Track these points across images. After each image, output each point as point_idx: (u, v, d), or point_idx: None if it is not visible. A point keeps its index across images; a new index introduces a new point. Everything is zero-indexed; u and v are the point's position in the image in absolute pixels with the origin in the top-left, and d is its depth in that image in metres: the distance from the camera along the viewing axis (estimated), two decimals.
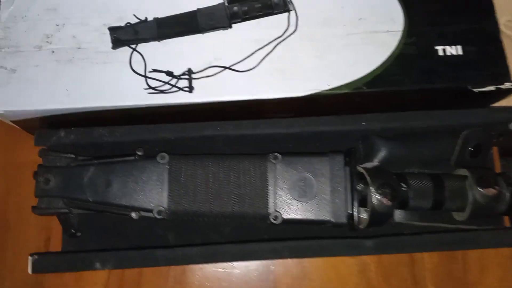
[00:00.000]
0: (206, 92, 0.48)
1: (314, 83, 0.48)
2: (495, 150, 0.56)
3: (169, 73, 0.49)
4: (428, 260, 0.54)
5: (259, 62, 0.49)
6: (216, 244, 0.47)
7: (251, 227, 0.52)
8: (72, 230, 0.52)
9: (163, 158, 0.48)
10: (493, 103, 0.53)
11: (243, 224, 0.50)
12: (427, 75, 0.49)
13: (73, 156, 0.50)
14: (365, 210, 0.47)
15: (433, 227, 0.52)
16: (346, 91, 0.48)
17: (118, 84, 0.49)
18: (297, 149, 0.52)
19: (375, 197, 0.46)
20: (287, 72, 0.49)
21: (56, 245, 0.55)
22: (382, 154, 0.50)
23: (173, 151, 0.49)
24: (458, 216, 0.51)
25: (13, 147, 0.59)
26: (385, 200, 0.46)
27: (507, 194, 0.48)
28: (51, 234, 0.56)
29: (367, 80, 0.48)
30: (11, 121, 0.51)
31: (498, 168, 0.55)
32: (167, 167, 0.48)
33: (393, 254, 0.51)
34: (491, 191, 0.47)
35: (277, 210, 0.47)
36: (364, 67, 0.49)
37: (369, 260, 0.53)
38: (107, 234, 0.53)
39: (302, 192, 0.48)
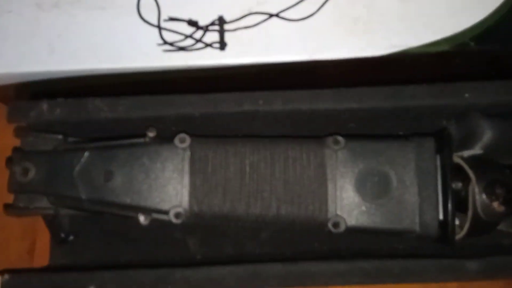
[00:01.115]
0: (243, 49, 0.40)
1: (399, 37, 0.40)
2: None
3: (192, 23, 0.40)
4: None
5: (320, 7, 0.41)
6: (256, 263, 0.38)
7: (296, 232, 0.43)
8: (62, 235, 0.45)
9: (183, 141, 0.40)
10: None
11: (289, 229, 0.41)
12: None
13: (60, 137, 0.43)
14: (464, 216, 0.38)
15: None
16: (444, 48, 0.40)
17: (121, 38, 0.41)
18: (360, 130, 0.43)
19: (481, 200, 0.38)
20: (359, 22, 0.41)
21: (43, 251, 0.48)
22: (487, 138, 0.40)
23: (196, 131, 0.41)
24: None
25: None
26: (496, 204, 0.37)
27: None
28: (36, 237, 0.49)
29: (475, 33, 0.40)
30: None
31: None
32: (189, 153, 0.40)
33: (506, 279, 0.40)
34: None
35: (339, 214, 0.39)
36: (472, 14, 0.40)
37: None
38: (106, 241, 0.45)
39: (375, 190, 0.39)
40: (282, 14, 0.40)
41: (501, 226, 0.42)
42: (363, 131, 0.43)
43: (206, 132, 0.42)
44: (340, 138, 0.40)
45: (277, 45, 0.40)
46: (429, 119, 0.42)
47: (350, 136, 0.40)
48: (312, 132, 0.42)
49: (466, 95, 0.39)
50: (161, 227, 0.44)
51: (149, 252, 0.44)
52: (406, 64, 0.41)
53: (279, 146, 0.39)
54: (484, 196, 0.37)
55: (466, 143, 0.41)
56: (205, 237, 0.45)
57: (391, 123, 0.42)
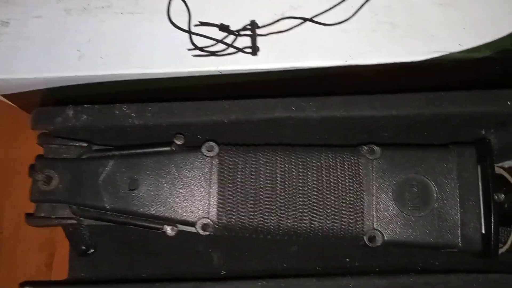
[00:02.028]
0: (275, 54, 0.39)
1: (439, 42, 0.39)
2: None
3: (223, 28, 0.40)
4: None
5: (355, 12, 0.40)
6: (288, 278, 0.36)
7: (326, 247, 0.42)
8: (83, 247, 0.43)
9: (211, 150, 0.39)
10: None
11: (322, 243, 0.39)
12: None
13: (85, 144, 0.42)
14: (505, 230, 0.38)
15: None
16: (486, 54, 0.39)
17: (151, 43, 0.40)
18: (394, 140, 0.41)
19: None
20: (397, 26, 0.39)
21: (61, 264, 0.49)
22: None
23: (225, 139, 0.40)
24: None
25: (7, 134, 0.53)
26: None
27: None
28: (55, 250, 0.50)
29: None
30: (3, 96, 0.43)
31: None
32: (217, 162, 0.38)
33: None
34: None
35: (376, 227, 0.37)
36: None
37: None
38: (127, 254, 0.44)
39: (414, 202, 0.38)
40: (316, 19, 0.39)
41: None
42: (396, 141, 0.41)
43: (235, 140, 0.40)
44: (375, 147, 0.38)
45: (311, 50, 0.38)
46: (467, 128, 0.40)
47: (385, 145, 0.39)
48: (343, 141, 0.40)
49: (509, 102, 0.37)
50: (184, 239, 0.43)
51: (172, 265, 0.43)
52: (445, 70, 0.40)
53: (311, 155, 0.38)
54: None
55: (507, 152, 0.40)
56: (230, 250, 0.44)
57: (427, 132, 0.41)
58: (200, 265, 0.43)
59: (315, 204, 0.37)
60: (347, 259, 0.42)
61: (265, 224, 0.37)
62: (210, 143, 0.39)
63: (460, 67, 0.39)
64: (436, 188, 0.37)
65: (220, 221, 0.37)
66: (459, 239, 0.36)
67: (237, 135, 0.40)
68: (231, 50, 0.38)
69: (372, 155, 0.38)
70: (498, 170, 0.38)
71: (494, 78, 0.41)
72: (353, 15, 0.39)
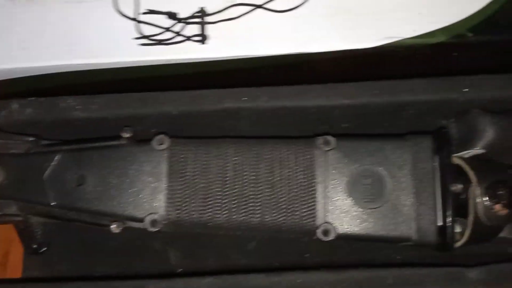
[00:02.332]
0: (225, 42, 0.38)
1: (392, 28, 0.37)
2: None
3: (171, 16, 0.38)
4: None
5: None
6: (236, 274, 0.35)
7: (285, 242, 0.42)
8: (34, 245, 0.42)
9: (162, 143, 0.37)
10: None
11: (275, 237, 0.39)
12: None
13: (31, 139, 0.40)
14: (464, 221, 0.36)
15: None
16: (441, 39, 0.37)
17: (97, 32, 0.39)
18: (355, 131, 0.40)
19: (482, 203, 0.35)
20: (350, 12, 0.38)
21: (16, 263, 0.45)
22: (489, 137, 0.37)
23: (176, 132, 0.39)
24: None
25: None
26: (498, 207, 0.35)
27: None
28: (9, 249, 0.47)
29: (473, 23, 0.37)
30: None
31: None
32: (167, 155, 0.37)
33: None
34: None
35: (329, 221, 0.36)
36: (470, 3, 0.37)
37: None
38: (86, 252, 0.43)
39: (368, 194, 0.37)
40: (267, 5, 0.38)
41: (506, 233, 0.39)
42: (357, 132, 0.40)
43: (189, 133, 0.39)
44: (330, 138, 0.37)
45: (262, 38, 0.37)
46: (427, 117, 0.39)
47: (342, 136, 0.38)
48: (303, 132, 0.39)
49: (465, 89, 0.37)
50: (140, 237, 0.42)
51: (128, 263, 0.42)
52: (401, 57, 0.38)
53: (264, 147, 0.37)
54: (485, 198, 0.35)
55: (467, 142, 0.38)
56: (187, 248, 0.43)
57: (388, 123, 0.40)
58: (157, 263, 0.42)
59: (267, 198, 0.36)
60: (307, 255, 0.41)
61: (216, 219, 0.36)
62: (161, 136, 0.38)
63: (417, 54, 0.38)
64: (391, 180, 0.36)
65: (169, 216, 0.36)
66: (414, 232, 0.35)
67: (190, 127, 0.39)
68: (179, 38, 0.37)
69: (327, 146, 0.37)
70: (457, 161, 0.37)
71: (453, 65, 0.39)
72: (305, 1, 0.38)
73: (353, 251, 0.41)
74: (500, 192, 0.35)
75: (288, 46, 0.37)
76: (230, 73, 0.39)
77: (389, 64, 0.39)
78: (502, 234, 0.40)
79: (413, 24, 0.37)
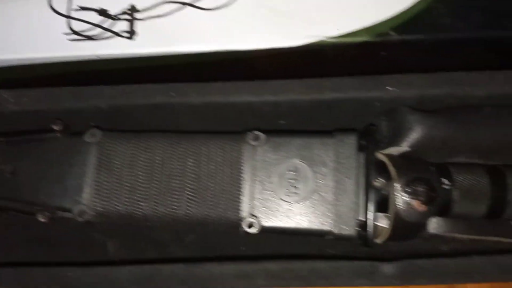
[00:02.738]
0: (154, 39, 0.38)
1: (317, 27, 0.38)
2: None
3: (102, 12, 0.39)
4: None
5: None
6: (157, 264, 0.36)
7: (225, 235, 0.42)
8: None
9: (94, 136, 0.38)
10: None
11: (202, 230, 0.40)
12: (494, 17, 0.37)
13: None
14: (386, 217, 0.36)
15: (487, 243, 0.39)
16: (364, 38, 0.38)
17: (29, 28, 0.39)
18: (292, 127, 0.41)
19: (402, 199, 0.35)
20: (277, 12, 0.39)
21: None
22: (414, 135, 0.37)
23: (109, 126, 0.39)
24: None
25: None
26: (416, 204, 0.35)
27: None
28: None
29: (398, 22, 0.38)
30: None
31: None
32: (97, 148, 0.38)
33: (423, 285, 0.37)
34: None
35: (254, 214, 0.37)
36: (394, 2, 0.38)
37: None
38: (26, 243, 0.43)
39: (293, 189, 0.37)
40: (196, 3, 0.38)
41: (437, 230, 0.39)
42: (295, 128, 0.40)
43: (121, 126, 0.39)
44: (260, 134, 0.38)
45: (190, 35, 0.38)
46: (358, 115, 0.39)
47: (271, 132, 0.38)
48: (236, 128, 0.39)
49: (388, 88, 0.37)
50: (80, 228, 0.41)
51: (67, 254, 0.41)
52: (325, 56, 0.39)
53: (192, 141, 0.38)
54: (404, 194, 0.35)
55: (395, 140, 0.38)
56: (126, 240, 0.43)
57: (318, 120, 0.40)
58: (96, 254, 0.42)
59: (192, 192, 0.37)
60: (243, 248, 0.41)
61: (141, 211, 0.37)
62: (94, 129, 0.38)
63: (341, 53, 0.38)
64: (315, 175, 0.36)
65: (95, 207, 0.37)
66: (334, 226, 0.36)
67: (123, 121, 0.39)
68: (108, 34, 0.38)
69: (256, 142, 0.37)
70: (381, 157, 0.37)
71: (380, 65, 0.40)
72: (234, 0, 0.38)
73: (289, 244, 0.41)
74: (419, 189, 0.35)
75: (216, 43, 0.38)
76: (162, 69, 0.40)
77: (318, 63, 0.40)
78: (434, 231, 0.42)
79: (337, 24, 0.37)
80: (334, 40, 0.37)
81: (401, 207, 0.35)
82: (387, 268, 0.34)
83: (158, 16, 0.38)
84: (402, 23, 0.37)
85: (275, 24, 0.38)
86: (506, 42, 0.37)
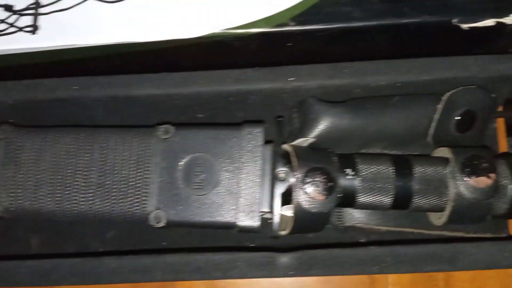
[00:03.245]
0: (56, 33, 0.38)
1: (218, 18, 0.37)
2: (499, 123, 0.41)
3: (8, 8, 0.38)
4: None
5: None
6: (55, 258, 0.36)
7: (144, 231, 0.42)
8: None
9: (2, 131, 0.38)
10: (492, 51, 0.38)
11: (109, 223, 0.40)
12: (394, 4, 0.37)
13: None
14: (290, 208, 0.36)
15: (404, 234, 0.40)
16: (263, 29, 0.37)
17: None
18: (210, 120, 0.41)
19: (301, 189, 0.35)
20: (179, 3, 0.38)
21: None
22: (321, 126, 0.38)
23: (20, 122, 0.39)
24: (436, 219, 0.37)
25: None
26: (315, 193, 0.35)
27: (510, 187, 0.34)
28: None
29: (297, 12, 0.37)
30: None
31: (504, 148, 0.40)
32: (3, 144, 0.38)
33: (320, 276, 0.36)
34: (483, 181, 0.34)
35: (161, 207, 0.36)
36: None
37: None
38: None
39: (200, 182, 0.37)
40: None
41: (351, 221, 0.40)
42: (212, 121, 0.41)
43: (41, 123, 0.39)
44: (170, 127, 0.37)
45: (92, 28, 0.37)
46: (270, 107, 0.39)
47: (181, 125, 0.38)
48: (153, 121, 0.39)
49: (290, 79, 0.36)
50: (4, 224, 0.42)
51: None
52: (233, 48, 0.38)
53: (98, 136, 0.37)
54: (304, 185, 0.34)
55: (303, 131, 0.38)
56: (48, 235, 0.43)
57: (235, 112, 0.40)
58: (19, 250, 0.43)
59: (98, 186, 0.36)
60: (164, 243, 0.42)
61: (47, 206, 0.36)
62: (4, 125, 0.38)
63: (248, 44, 0.37)
64: (221, 167, 0.36)
65: (2, 203, 0.36)
66: (239, 219, 0.35)
67: (42, 117, 0.39)
68: (12, 29, 0.37)
69: (165, 135, 0.37)
70: (287, 148, 0.37)
71: (286, 56, 0.39)
72: None
73: (212, 238, 0.41)
74: (317, 179, 0.34)
75: (119, 36, 0.37)
76: (67, 63, 0.39)
77: (225, 54, 0.39)
78: (354, 223, 0.41)
79: (236, 15, 0.36)
80: (235, 31, 0.36)
81: (300, 197, 0.35)
82: (285, 258, 0.34)
83: (61, 10, 0.37)
84: (301, 13, 0.36)
85: (176, 15, 0.37)
86: (407, 29, 0.36)
